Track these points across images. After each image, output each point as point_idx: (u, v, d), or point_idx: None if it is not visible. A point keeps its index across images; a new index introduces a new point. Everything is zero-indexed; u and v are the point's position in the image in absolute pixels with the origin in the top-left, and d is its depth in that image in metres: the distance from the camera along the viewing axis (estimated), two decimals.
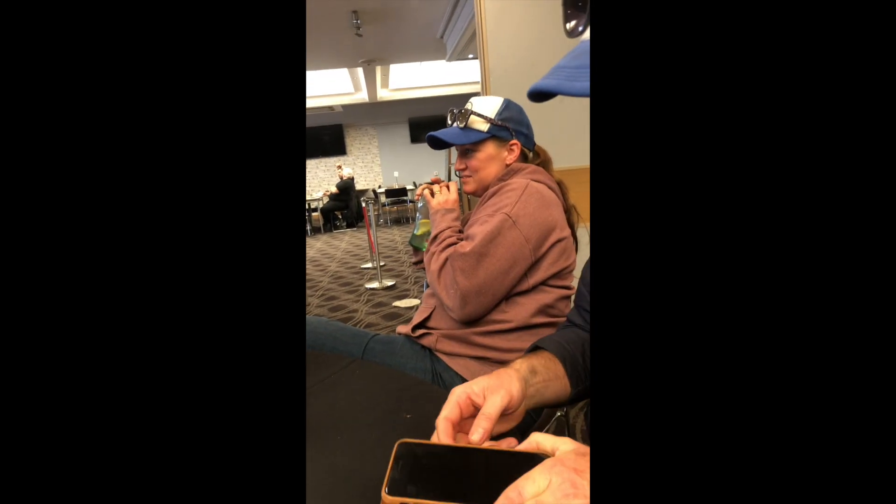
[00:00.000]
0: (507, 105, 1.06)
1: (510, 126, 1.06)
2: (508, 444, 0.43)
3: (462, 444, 0.42)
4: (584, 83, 0.34)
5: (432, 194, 1.09)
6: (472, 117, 1.05)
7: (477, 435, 0.41)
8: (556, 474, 0.33)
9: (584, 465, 0.34)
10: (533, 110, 1.16)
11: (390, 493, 0.36)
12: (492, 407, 0.44)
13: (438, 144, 1.09)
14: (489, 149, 1.06)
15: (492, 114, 1.04)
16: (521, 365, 0.56)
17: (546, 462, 0.35)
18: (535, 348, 0.65)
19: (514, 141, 1.06)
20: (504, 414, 0.46)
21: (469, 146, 1.07)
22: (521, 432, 0.46)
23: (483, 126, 1.05)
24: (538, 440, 0.39)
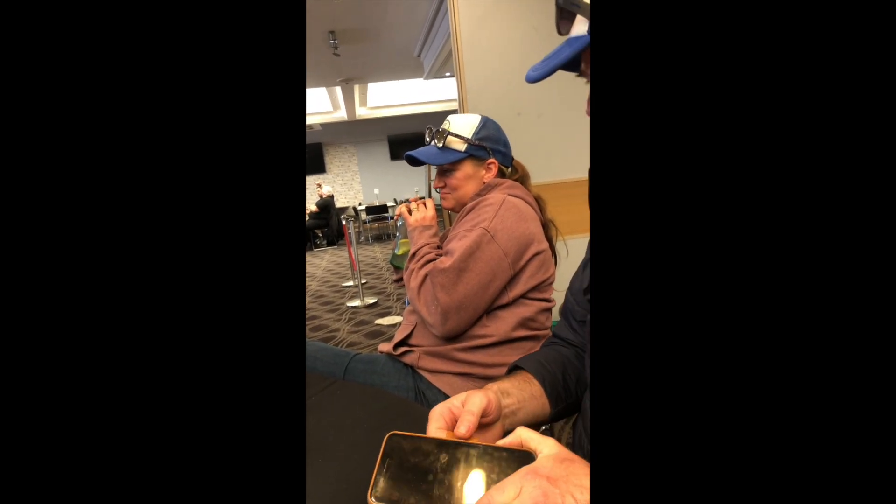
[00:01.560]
0: (485, 123, 1.07)
1: (487, 145, 1.07)
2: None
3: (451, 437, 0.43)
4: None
5: (410, 212, 1.10)
6: (450, 137, 1.06)
7: (464, 427, 0.42)
8: (527, 482, 0.34)
9: (561, 471, 0.35)
10: (511, 127, 1.18)
11: (375, 497, 0.37)
12: (473, 405, 0.45)
13: (417, 162, 1.10)
14: (467, 168, 1.07)
15: (469, 133, 1.06)
16: (492, 386, 0.57)
17: (520, 471, 0.35)
18: (514, 368, 0.65)
19: (492, 160, 1.08)
20: (483, 423, 0.47)
21: (447, 166, 1.08)
22: None
23: (460, 146, 1.06)
24: (522, 436, 0.40)
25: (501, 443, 0.40)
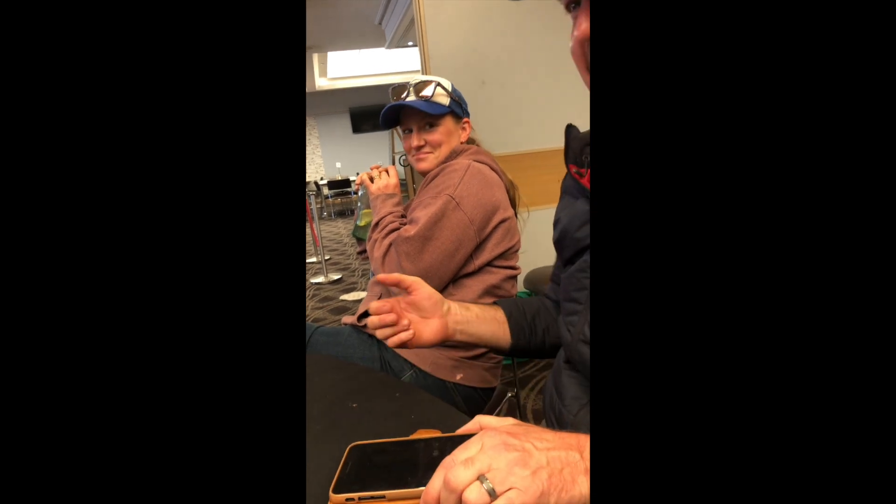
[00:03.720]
0: (453, 85, 1.06)
1: (462, 104, 1.06)
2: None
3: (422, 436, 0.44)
4: None
5: (372, 181, 1.06)
6: (438, 88, 1.02)
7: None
8: (487, 437, 0.34)
9: (520, 430, 0.36)
10: (474, 96, 1.16)
11: (336, 491, 0.38)
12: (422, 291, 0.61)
13: (390, 122, 1.06)
14: (449, 123, 1.04)
15: (450, 88, 1.04)
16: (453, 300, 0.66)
17: (480, 432, 0.36)
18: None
19: (467, 119, 1.06)
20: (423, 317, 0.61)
21: (432, 119, 1.03)
22: (470, 415, 0.46)
23: (445, 100, 1.03)
24: (482, 421, 0.41)
25: (462, 430, 0.42)
